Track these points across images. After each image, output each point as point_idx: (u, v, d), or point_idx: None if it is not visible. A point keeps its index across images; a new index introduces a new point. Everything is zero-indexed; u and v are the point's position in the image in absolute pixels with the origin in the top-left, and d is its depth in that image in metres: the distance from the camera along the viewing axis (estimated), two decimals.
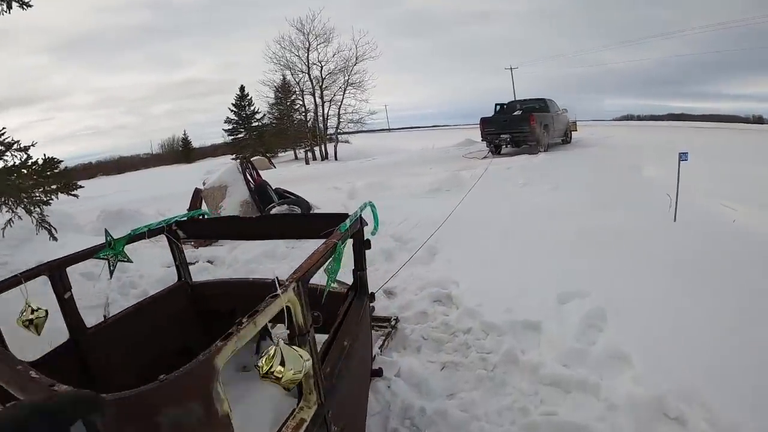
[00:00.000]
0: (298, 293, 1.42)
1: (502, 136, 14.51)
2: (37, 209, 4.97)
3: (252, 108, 38.47)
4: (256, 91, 37.45)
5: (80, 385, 1.08)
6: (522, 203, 6.99)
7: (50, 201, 5.13)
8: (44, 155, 5.03)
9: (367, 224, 2.39)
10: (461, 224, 6.03)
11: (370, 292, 2.63)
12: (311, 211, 8.02)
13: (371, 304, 2.73)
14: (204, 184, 7.90)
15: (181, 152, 44.54)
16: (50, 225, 5.20)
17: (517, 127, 14.18)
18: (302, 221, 3.27)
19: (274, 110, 36.57)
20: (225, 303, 2.91)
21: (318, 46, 30.69)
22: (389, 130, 49.90)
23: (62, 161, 5.23)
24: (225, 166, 7.93)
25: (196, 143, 46.61)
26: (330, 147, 32.25)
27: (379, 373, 2.82)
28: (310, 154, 33.51)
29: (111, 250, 2.34)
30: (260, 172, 8.19)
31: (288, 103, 35.45)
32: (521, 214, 6.14)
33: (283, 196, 8.12)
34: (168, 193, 13.78)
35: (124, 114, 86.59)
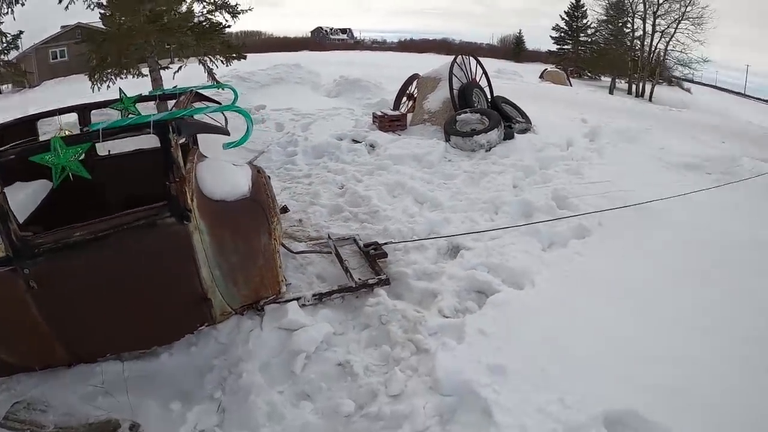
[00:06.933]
0: None
1: None
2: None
3: (585, 21, 35.51)
4: (589, 4, 33.85)
5: None
6: None
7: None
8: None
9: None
10: None
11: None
12: (526, 131, 7.31)
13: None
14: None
15: (512, 51, 43.47)
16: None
17: None
18: None
19: (602, 28, 33.06)
20: None
21: None
22: (745, 95, 33.27)
23: None
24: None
25: (531, 45, 44.24)
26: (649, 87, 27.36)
27: None
28: (626, 85, 29.53)
29: (122, 104, 3.01)
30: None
31: (619, 24, 31.22)
32: None
33: (496, 106, 7.56)
34: None
35: (475, 3, 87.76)
